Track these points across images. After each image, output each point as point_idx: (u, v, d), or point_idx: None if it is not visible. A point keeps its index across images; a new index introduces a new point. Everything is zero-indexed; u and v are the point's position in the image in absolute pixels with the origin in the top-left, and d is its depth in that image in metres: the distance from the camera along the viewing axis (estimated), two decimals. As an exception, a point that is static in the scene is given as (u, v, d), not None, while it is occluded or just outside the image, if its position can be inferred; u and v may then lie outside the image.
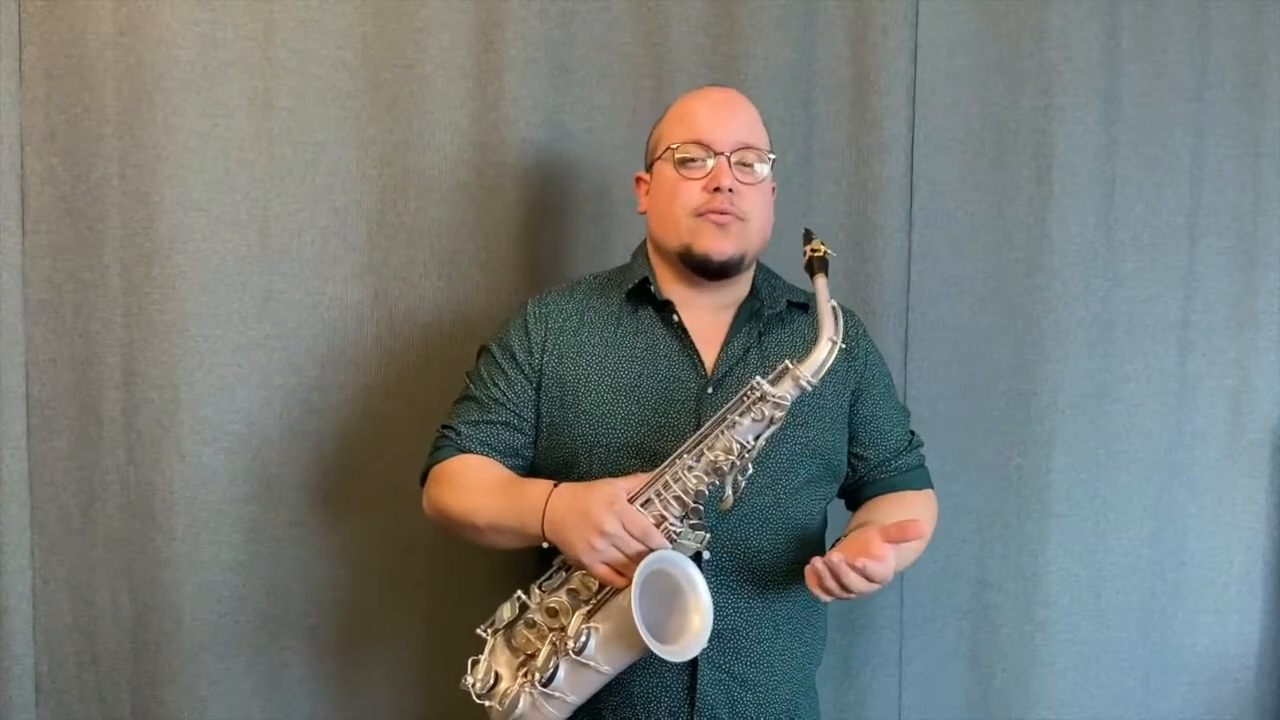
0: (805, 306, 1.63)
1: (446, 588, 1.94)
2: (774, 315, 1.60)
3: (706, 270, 1.55)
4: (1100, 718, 2.08)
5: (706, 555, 1.49)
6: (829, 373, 1.43)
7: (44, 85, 1.85)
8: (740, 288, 1.61)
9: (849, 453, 1.64)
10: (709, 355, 1.57)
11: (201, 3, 1.86)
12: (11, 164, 1.85)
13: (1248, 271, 2.06)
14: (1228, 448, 2.08)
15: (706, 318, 1.59)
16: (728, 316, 1.60)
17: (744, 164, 1.55)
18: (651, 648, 1.35)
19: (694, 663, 1.48)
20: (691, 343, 1.57)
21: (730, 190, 1.52)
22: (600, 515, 1.38)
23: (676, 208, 1.55)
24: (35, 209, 1.87)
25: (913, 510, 1.62)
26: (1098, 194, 2.03)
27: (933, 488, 1.72)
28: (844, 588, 1.40)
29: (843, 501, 1.70)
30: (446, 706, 1.93)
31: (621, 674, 1.44)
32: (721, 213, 1.52)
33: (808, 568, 1.42)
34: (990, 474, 2.05)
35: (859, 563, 1.39)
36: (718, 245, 1.53)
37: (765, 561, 1.53)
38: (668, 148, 1.57)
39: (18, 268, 1.87)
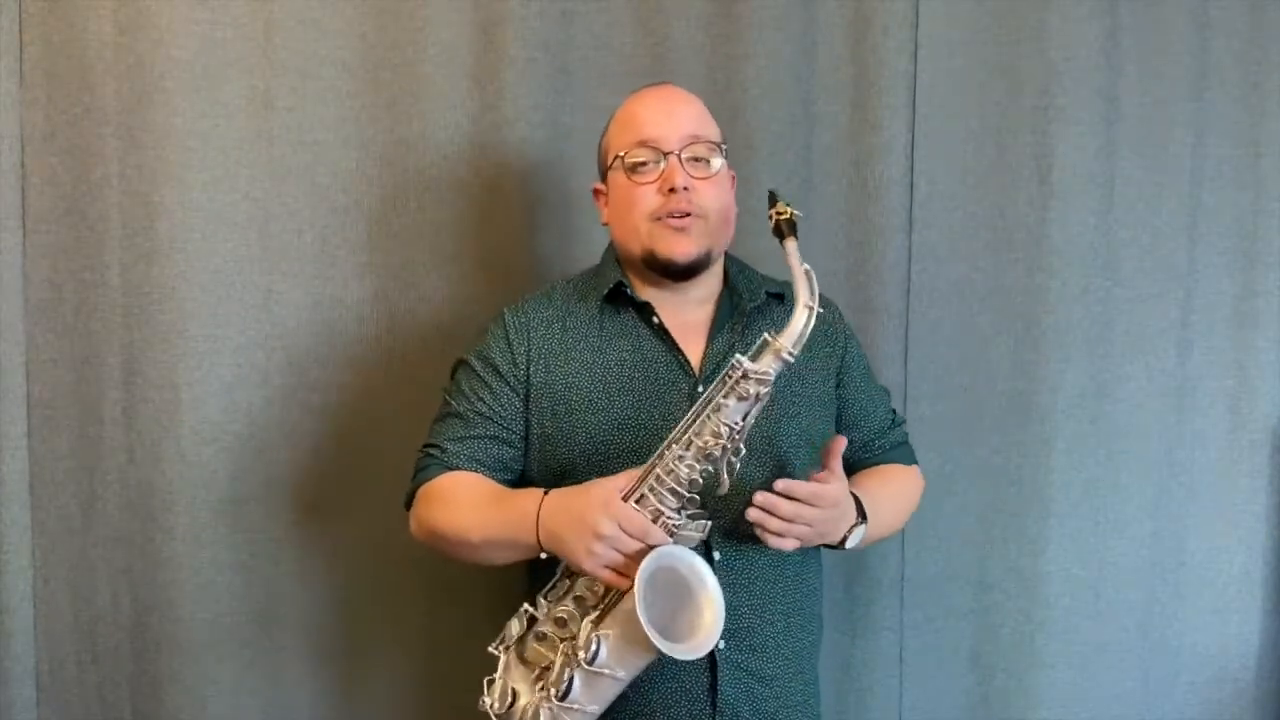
0: (781, 296, 1.61)
1: (445, 588, 1.94)
2: (755, 308, 1.59)
3: (673, 273, 1.54)
4: (1100, 718, 2.08)
5: (717, 556, 1.48)
6: (812, 351, 1.41)
7: (44, 85, 1.85)
8: (714, 281, 1.60)
9: None
10: (693, 353, 1.56)
11: (201, 3, 1.86)
12: (12, 164, 1.85)
13: (1248, 272, 2.06)
14: (1228, 448, 2.07)
15: (686, 315, 1.58)
16: (706, 312, 1.59)
17: (696, 158, 1.53)
18: (661, 649, 1.31)
19: (713, 663, 1.47)
20: (674, 342, 1.55)
21: (686, 189, 1.50)
22: (595, 518, 1.35)
23: (635, 215, 1.53)
24: (35, 209, 1.87)
25: (893, 478, 1.66)
26: (1098, 194, 2.03)
27: (917, 464, 1.75)
28: (787, 520, 1.41)
29: None
30: (445, 707, 1.93)
31: (640, 679, 1.40)
32: (681, 215, 1.50)
33: (750, 514, 1.41)
34: (990, 474, 2.04)
35: (779, 485, 1.40)
36: (681, 248, 1.51)
37: (770, 556, 1.51)
38: (616, 155, 1.55)
39: (18, 268, 1.87)
